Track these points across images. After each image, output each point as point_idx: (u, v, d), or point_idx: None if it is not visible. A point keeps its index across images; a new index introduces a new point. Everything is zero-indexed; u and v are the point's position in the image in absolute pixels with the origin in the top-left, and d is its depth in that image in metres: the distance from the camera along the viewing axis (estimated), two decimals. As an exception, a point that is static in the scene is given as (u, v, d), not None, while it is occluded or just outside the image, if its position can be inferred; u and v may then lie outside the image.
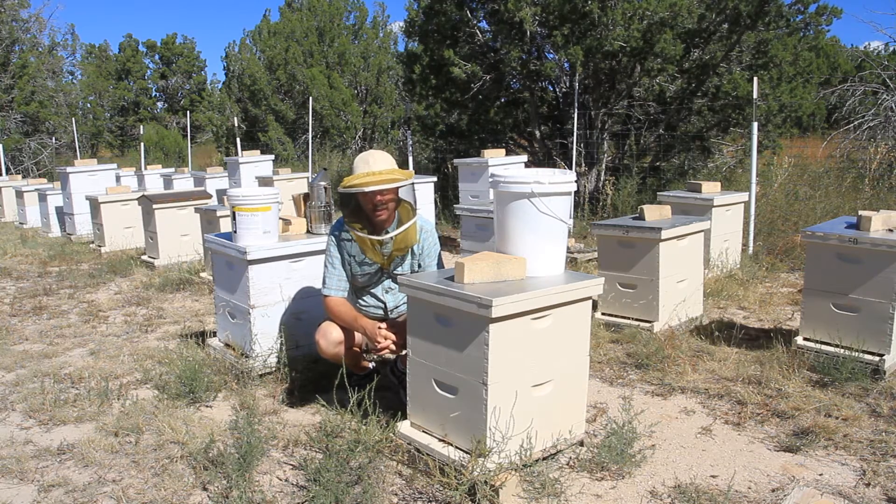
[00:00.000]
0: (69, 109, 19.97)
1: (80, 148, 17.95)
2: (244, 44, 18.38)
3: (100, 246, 7.88)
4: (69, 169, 8.62)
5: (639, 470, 2.71)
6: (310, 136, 11.71)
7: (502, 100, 10.07)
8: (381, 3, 29.65)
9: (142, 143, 14.98)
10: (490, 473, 2.41)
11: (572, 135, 8.44)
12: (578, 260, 6.44)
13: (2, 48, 17.47)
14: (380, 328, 3.06)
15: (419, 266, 3.23)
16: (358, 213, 3.13)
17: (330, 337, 3.18)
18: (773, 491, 2.55)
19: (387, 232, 3.13)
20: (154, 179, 10.62)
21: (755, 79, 6.55)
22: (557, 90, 9.74)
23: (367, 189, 2.94)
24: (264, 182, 9.38)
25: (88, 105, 27.12)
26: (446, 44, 9.29)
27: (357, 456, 2.62)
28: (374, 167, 3.02)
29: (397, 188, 3.08)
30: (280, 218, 3.85)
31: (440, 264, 3.25)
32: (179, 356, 3.78)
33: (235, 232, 3.69)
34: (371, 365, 3.61)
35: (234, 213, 3.67)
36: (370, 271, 3.23)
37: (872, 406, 3.21)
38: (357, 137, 16.27)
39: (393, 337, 3.04)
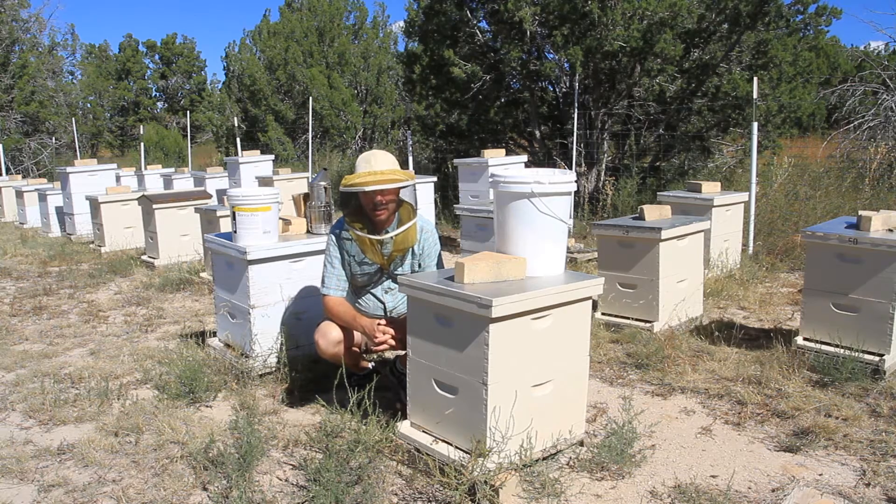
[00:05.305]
0: (69, 109, 19.98)
1: (80, 148, 17.95)
2: (244, 44, 18.39)
3: (100, 246, 7.88)
4: (69, 169, 8.62)
5: (639, 470, 2.71)
6: (310, 136, 11.72)
7: (502, 100, 10.07)
8: (381, 3, 29.65)
9: (142, 143, 14.97)
10: (490, 473, 2.41)
11: (572, 135, 8.44)
12: (578, 260, 6.44)
13: (2, 48, 17.47)
14: (379, 324, 3.05)
15: (419, 266, 3.23)
16: (358, 213, 3.13)
17: (329, 337, 3.18)
18: (773, 491, 2.55)
19: (387, 232, 3.13)
20: (154, 179, 10.63)
21: (755, 79, 6.54)
22: (557, 90, 9.74)
23: (367, 188, 2.94)
24: (264, 182, 9.38)
25: (88, 105, 27.14)
26: (446, 44, 9.29)
27: (357, 456, 2.62)
28: (376, 167, 3.02)
29: (398, 188, 3.07)
30: (280, 218, 3.85)
31: (440, 264, 3.24)
32: (179, 356, 3.78)
33: (235, 232, 3.69)
34: (371, 365, 3.60)
35: (234, 213, 3.67)
36: (370, 271, 3.23)
37: (872, 406, 3.21)
38: (357, 137, 16.27)
39: (391, 331, 3.01)
